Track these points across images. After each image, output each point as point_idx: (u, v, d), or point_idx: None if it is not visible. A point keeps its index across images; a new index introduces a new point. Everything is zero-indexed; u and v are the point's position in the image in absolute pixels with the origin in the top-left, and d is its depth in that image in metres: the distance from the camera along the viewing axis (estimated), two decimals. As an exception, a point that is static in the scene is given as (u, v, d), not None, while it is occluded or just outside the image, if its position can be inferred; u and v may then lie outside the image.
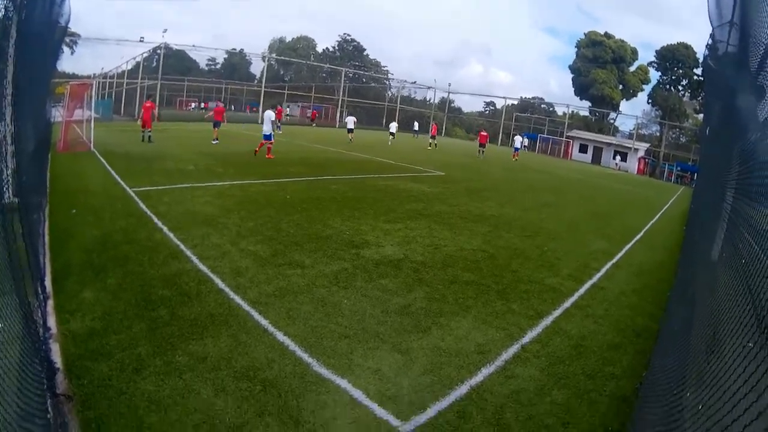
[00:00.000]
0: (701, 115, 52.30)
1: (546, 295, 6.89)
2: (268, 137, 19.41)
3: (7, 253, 2.99)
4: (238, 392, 3.86)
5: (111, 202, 9.70)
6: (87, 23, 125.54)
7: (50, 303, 5.04)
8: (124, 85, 50.73)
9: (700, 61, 55.83)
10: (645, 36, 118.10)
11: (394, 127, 40.07)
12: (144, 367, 4.08)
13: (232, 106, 69.92)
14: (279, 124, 35.19)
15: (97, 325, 4.72)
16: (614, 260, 9.48)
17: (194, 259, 6.81)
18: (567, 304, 6.69)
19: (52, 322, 4.66)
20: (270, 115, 20.55)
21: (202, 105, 67.89)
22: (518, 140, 40.76)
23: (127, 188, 11.07)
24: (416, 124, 55.06)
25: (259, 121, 41.48)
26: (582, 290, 7.35)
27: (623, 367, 5.06)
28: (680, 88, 68.19)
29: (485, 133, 36.86)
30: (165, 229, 8.08)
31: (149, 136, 21.67)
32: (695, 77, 65.09)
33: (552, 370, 4.78)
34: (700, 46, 59.69)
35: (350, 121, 37.00)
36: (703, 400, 2.26)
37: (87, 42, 61.92)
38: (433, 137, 39.83)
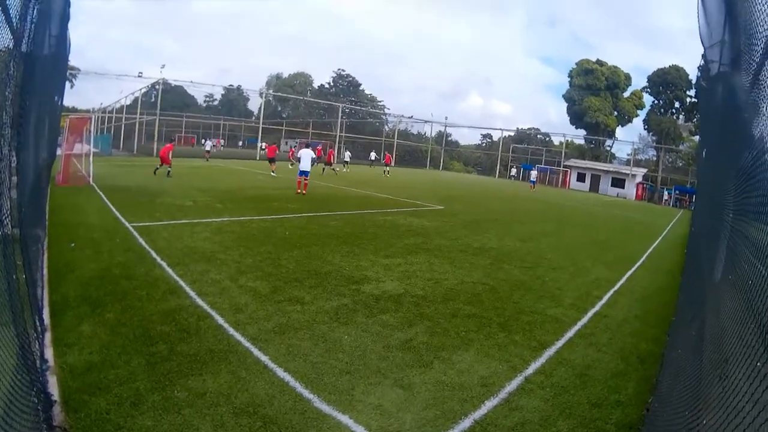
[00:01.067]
0: (697, 137, 52.65)
1: (548, 326, 6.82)
2: (304, 173, 20.65)
3: (7, 284, 2.97)
4: (237, 428, 3.78)
5: (110, 237, 9.70)
6: (88, 57, 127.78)
7: (48, 336, 5.00)
8: (123, 120, 51.40)
9: (693, 82, 56.68)
10: (639, 61, 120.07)
11: (347, 156, 45.14)
12: (142, 401, 4.01)
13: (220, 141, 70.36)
14: (320, 162, 36.18)
15: (95, 359, 4.66)
16: (616, 287, 9.44)
17: (193, 295, 6.76)
18: (570, 333, 6.61)
19: (49, 354, 4.61)
20: (309, 153, 21.29)
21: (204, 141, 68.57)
22: (534, 174, 47.13)
23: (126, 223, 11.08)
24: (373, 153, 59.45)
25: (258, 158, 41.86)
26: (585, 319, 7.28)
27: (629, 394, 4.97)
28: (674, 111, 68.68)
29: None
30: (164, 264, 8.04)
31: (168, 171, 23.12)
32: (688, 99, 65.66)
33: (557, 401, 4.70)
34: (692, 67, 60.49)
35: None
36: (716, 425, 2.21)
37: (86, 76, 62.70)
38: (387, 165, 45.46)
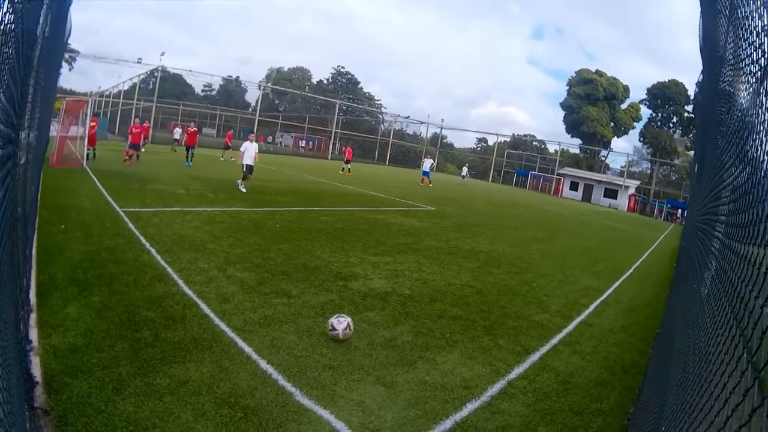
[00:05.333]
0: (692, 152, 52.80)
1: (534, 332, 6.84)
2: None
3: (10, 261, 2.96)
4: (218, 418, 3.77)
5: (100, 221, 9.66)
6: (87, 42, 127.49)
7: (33, 316, 4.99)
8: (120, 105, 51.18)
9: (692, 98, 56.75)
10: (637, 75, 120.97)
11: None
12: (124, 387, 4.00)
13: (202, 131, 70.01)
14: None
15: (79, 342, 4.65)
16: (603, 297, 9.48)
17: (180, 282, 6.75)
18: (555, 340, 6.64)
19: (33, 335, 4.61)
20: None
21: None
22: (428, 163, 38.42)
23: (117, 208, 11.06)
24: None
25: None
26: (570, 327, 7.31)
27: (611, 404, 5.00)
28: (671, 125, 68.89)
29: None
30: (153, 251, 8.02)
31: (93, 153, 22.37)
32: (686, 114, 65.85)
33: (538, 407, 4.72)
34: (691, 83, 60.60)
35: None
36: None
37: (86, 59, 62.31)
38: (347, 162, 35.86)
